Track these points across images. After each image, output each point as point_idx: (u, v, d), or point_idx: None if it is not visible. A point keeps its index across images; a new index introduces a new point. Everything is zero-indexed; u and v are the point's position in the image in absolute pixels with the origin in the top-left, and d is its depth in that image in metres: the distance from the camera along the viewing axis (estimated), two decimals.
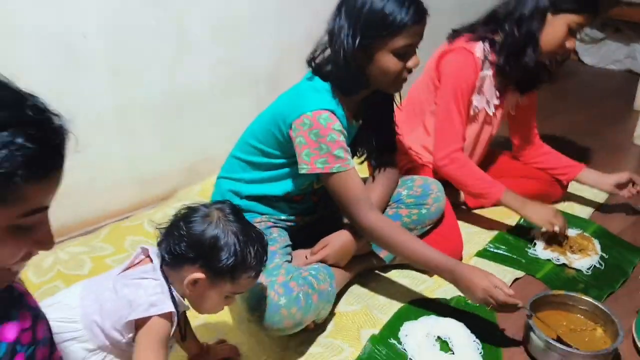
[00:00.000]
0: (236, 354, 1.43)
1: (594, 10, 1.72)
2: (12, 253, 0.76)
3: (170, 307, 1.09)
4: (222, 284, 1.14)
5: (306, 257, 1.58)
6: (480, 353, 1.43)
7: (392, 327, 1.52)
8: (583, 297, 1.51)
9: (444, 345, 1.46)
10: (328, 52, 1.46)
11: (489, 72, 1.82)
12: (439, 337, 1.48)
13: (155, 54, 1.89)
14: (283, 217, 1.60)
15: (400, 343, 1.46)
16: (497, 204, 1.84)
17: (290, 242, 1.59)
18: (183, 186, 2.06)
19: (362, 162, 1.68)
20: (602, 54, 3.74)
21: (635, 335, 1.48)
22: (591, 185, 2.02)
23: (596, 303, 1.49)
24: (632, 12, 3.41)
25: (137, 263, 1.20)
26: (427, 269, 1.60)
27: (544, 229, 1.81)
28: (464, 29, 1.85)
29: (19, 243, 0.76)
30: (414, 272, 1.75)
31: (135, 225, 1.92)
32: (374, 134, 1.61)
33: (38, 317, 0.87)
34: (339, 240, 1.58)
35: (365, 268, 1.73)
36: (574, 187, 2.14)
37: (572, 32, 1.73)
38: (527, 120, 2.07)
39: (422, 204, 1.69)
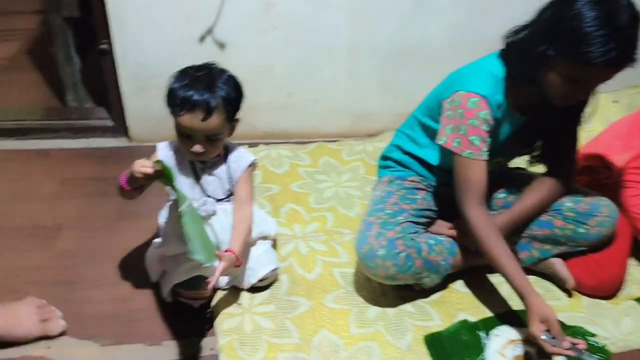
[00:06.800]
0: None
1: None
2: None
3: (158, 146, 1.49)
4: (174, 119, 1.39)
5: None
6: None
7: (490, 322, 1.54)
8: None
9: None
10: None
11: None
12: (526, 353, 1.45)
13: (393, 6, 2.06)
14: (434, 184, 1.70)
15: (486, 338, 1.49)
16: None
17: (433, 208, 1.68)
18: (390, 129, 2.25)
19: (532, 163, 1.65)
20: None
21: None
22: None
23: None
24: None
25: None
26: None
27: None
28: None
29: None
30: (552, 286, 1.68)
31: (336, 149, 2.22)
32: (545, 135, 1.55)
33: None
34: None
35: None
36: None
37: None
38: None
39: (583, 223, 1.57)
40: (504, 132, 1.53)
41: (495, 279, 1.68)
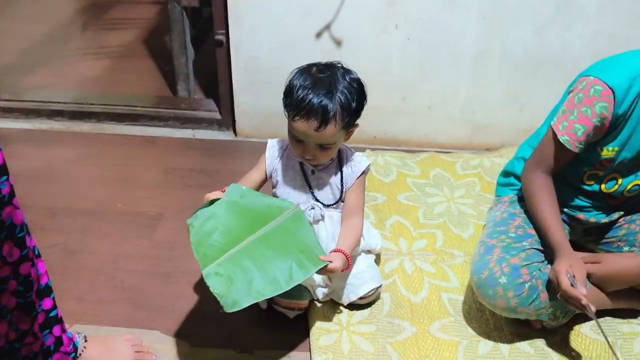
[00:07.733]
0: None
1: None
2: None
3: (268, 144, 1.44)
4: (288, 120, 1.30)
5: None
6: None
7: None
8: None
9: None
10: None
11: None
12: None
13: (531, 9, 1.87)
14: (564, 208, 1.49)
15: None
16: None
17: None
18: (512, 144, 2.05)
19: None
20: None
21: None
22: None
23: None
24: None
25: None
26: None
27: None
28: None
29: None
30: None
31: (450, 161, 2.05)
32: None
33: None
34: (619, 264, 1.38)
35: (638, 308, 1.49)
36: None
37: None
38: None
39: None
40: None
41: (631, 327, 1.45)
